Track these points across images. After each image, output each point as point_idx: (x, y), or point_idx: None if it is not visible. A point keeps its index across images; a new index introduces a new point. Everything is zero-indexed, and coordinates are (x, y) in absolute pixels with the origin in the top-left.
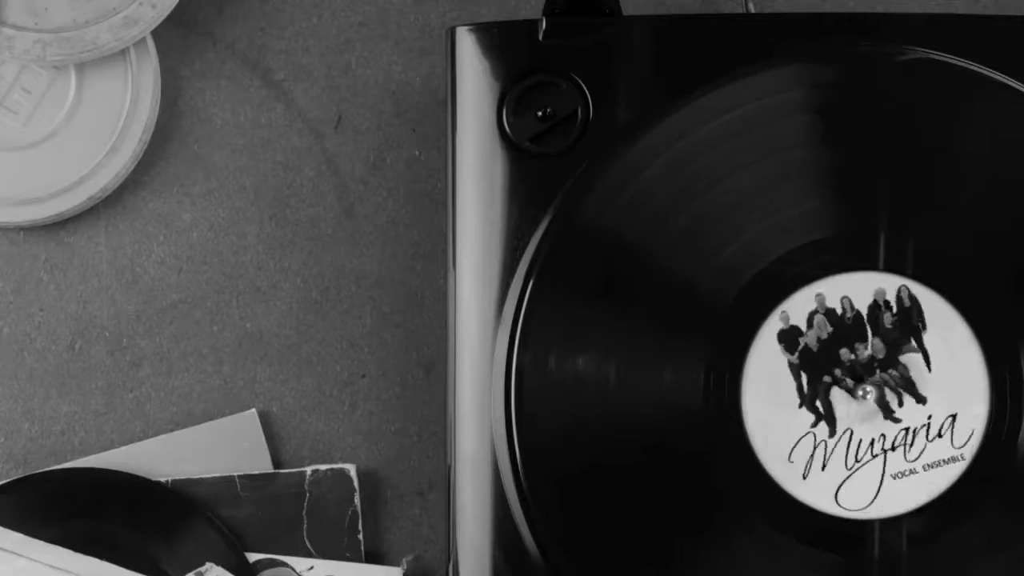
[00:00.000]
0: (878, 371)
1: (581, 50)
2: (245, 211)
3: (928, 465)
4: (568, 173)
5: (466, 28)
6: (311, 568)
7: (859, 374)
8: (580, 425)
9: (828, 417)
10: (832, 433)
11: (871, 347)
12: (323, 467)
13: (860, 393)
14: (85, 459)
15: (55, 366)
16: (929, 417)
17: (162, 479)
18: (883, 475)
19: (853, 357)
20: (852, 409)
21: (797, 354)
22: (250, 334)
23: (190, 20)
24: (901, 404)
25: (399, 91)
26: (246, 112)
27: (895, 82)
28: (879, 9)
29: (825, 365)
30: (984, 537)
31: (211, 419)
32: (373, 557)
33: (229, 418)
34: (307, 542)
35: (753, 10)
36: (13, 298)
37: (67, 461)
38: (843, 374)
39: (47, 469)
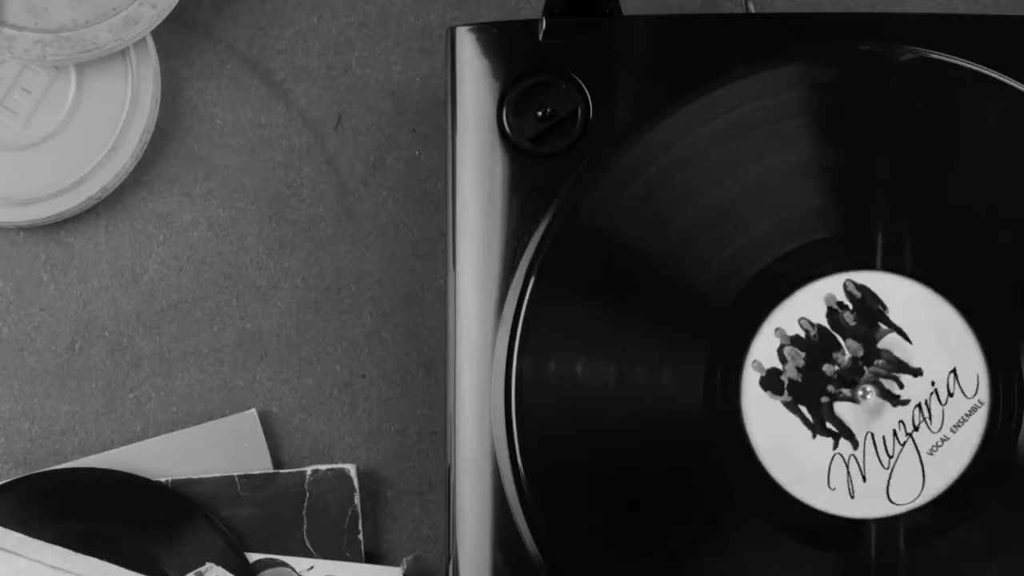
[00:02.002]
0: (865, 368)
1: (581, 50)
2: (245, 211)
3: (955, 426)
4: (568, 173)
5: (466, 28)
6: (311, 568)
7: (850, 380)
8: (580, 425)
9: (845, 433)
10: (855, 445)
11: (847, 350)
12: (323, 467)
13: (860, 395)
14: (85, 459)
15: (55, 366)
16: (933, 383)
17: (162, 479)
18: (920, 457)
19: (837, 368)
20: (861, 414)
21: (786, 392)
22: (250, 334)
23: (190, 20)
24: (901, 386)
25: (399, 91)
26: (246, 112)
27: (895, 82)
28: (879, 9)
29: (816, 388)
30: (984, 537)
31: (211, 419)
32: (373, 557)
33: (229, 418)
34: (307, 542)
35: (753, 10)
36: (13, 298)
37: (67, 461)
38: (836, 387)
39: (47, 469)
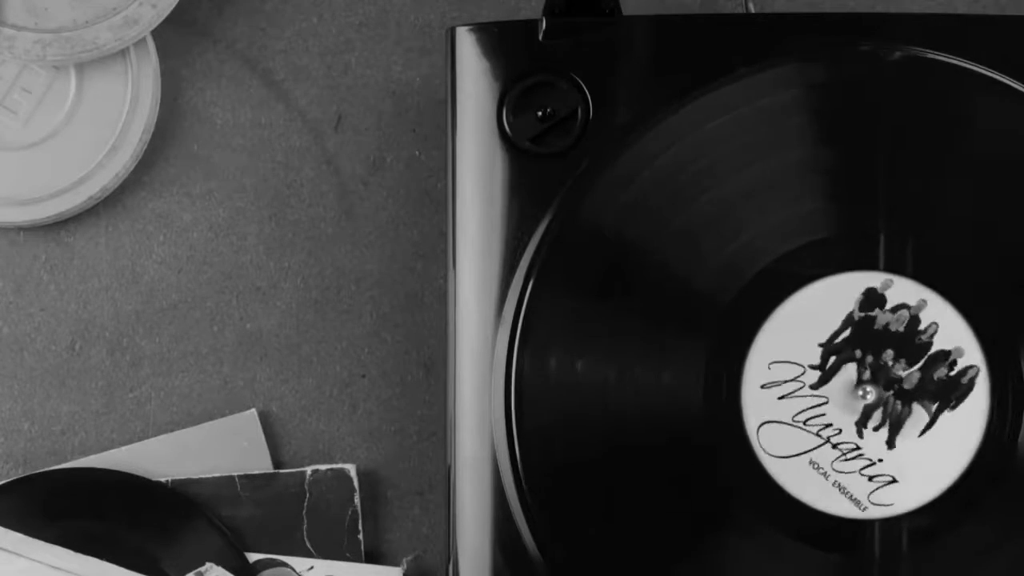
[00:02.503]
0: (891, 395)
1: (581, 50)
2: (245, 211)
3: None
4: (568, 173)
5: (466, 28)
6: (311, 568)
7: (879, 379)
8: (580, 425)
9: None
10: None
11: (906, 373)
12: (323, 467)
13: (860, 394)
14: (85, 459)
15: (55, 366)
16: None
17: (162, 479)
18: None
19: (890, 363)
20: (845, 390)
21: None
22: (250, 334)
23: (190, 20)
24: (876, 430)
25: (399, 91)
26: (246, 112)
27: (895, 82)
28: (879, 9)
29: (868, 340)
30: (985, 537)
31: (211, 419)
32: (373, 557)
33: (229, 418)
34: (307, 542)
35: (753, 10)
36: (13, 298)
37: (67, 461)
38: (871, 363)
39: (47, 469)
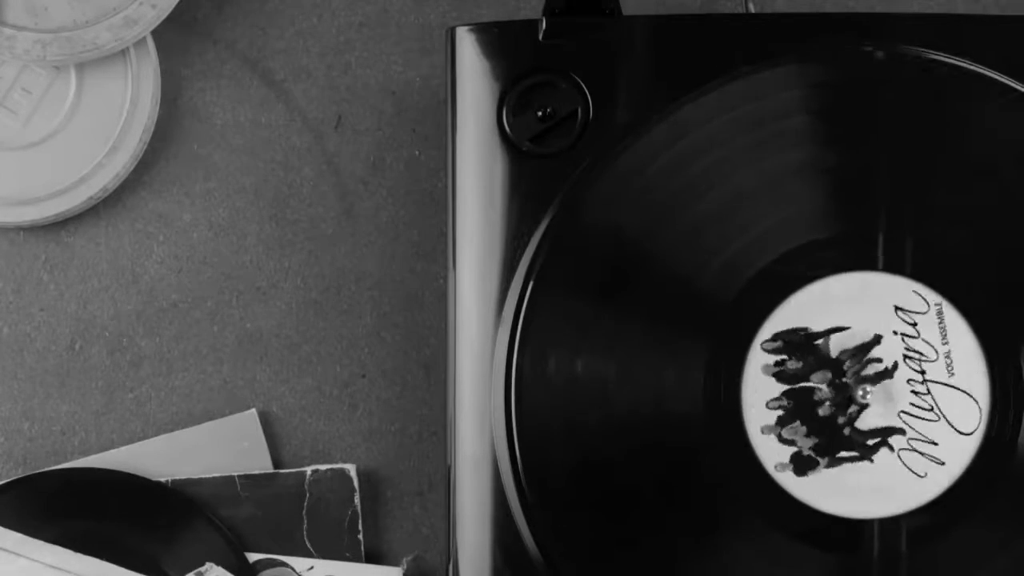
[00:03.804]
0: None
1: (581, 50)
2: (245, 211)
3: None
4: (568, 173)
5: (466, 28)
6: (311, 568)
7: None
8: (580, 425)
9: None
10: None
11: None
12: (323, 467)
13: (860, 394)
14: (85, 459)
15: (55, 366)
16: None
17: (162, 479)
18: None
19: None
20: (855, 410)
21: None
22: (250, 334)
23: (190, 20)
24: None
25: (399, 91)
26: (246, 112)
27: (895, 82)
28: (879, 9)
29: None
30: (984, 537)
31: (211, 419)
32: (373, 557)
33: (229, 418)
34: (307, 542)
35: (753, 10)
36: (13, 298)
37: (67, 461)
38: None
39: (47, 469)
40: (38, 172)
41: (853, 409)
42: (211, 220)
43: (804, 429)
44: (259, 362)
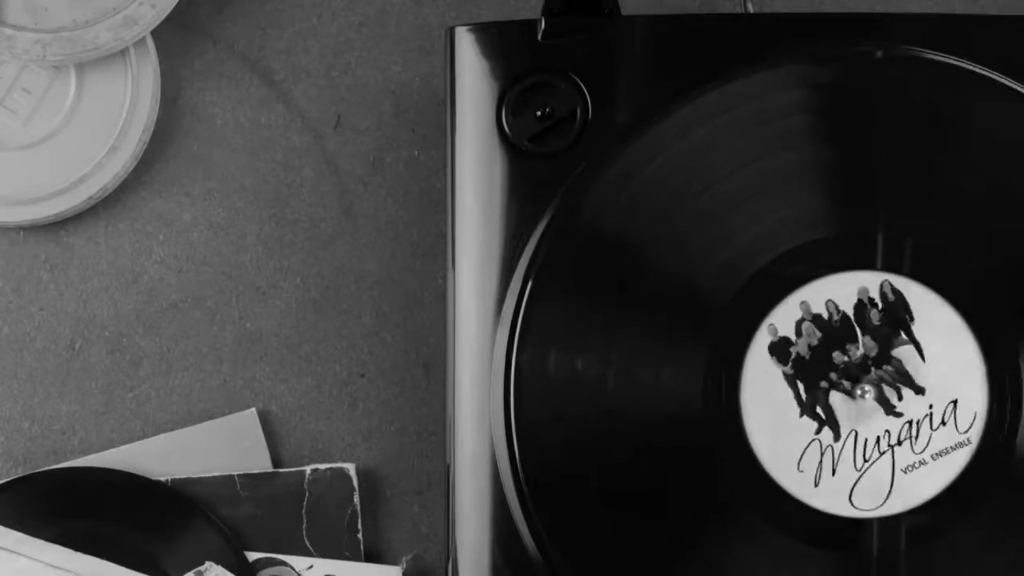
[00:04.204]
0: (873, 369)
1: (580, 50)
2: (245, 211)
3: (936, 454)
4: (567, 173)
5: (465, 28)
6: (311, 567)
7: (854, 375)
8: (579, 425)
9: (830, 422)
10: (837, 437)
11: (862, 346)
12: (322, 466)
13: (859, 393)
14: (85, 458)
15: (55, 366)
16: (931, 406)
17: (162, 478)
18: (893, 471)
19: (846, 359)
20: (853, 410)
21: (791, 364)
22: (250, 334)
23: (190, 20)
24: (901, 398)
25: (399, 91)
26: (246, 112)
27: (894, 82)
28: (879, 9)
29: (820, 371)
30: (983, 536)
31: (211, 419)
32: (372, 556)
33: (229, 417)
34: (307, 541)
35: (752, 10)
36: (13, 298)
37: (67, 461)
38: (839, 377)
39: (47, 468)
40: (38, 172)
41: (849, 386)
42: (211, 220)
43: (817, 338)
44: (259, 362)
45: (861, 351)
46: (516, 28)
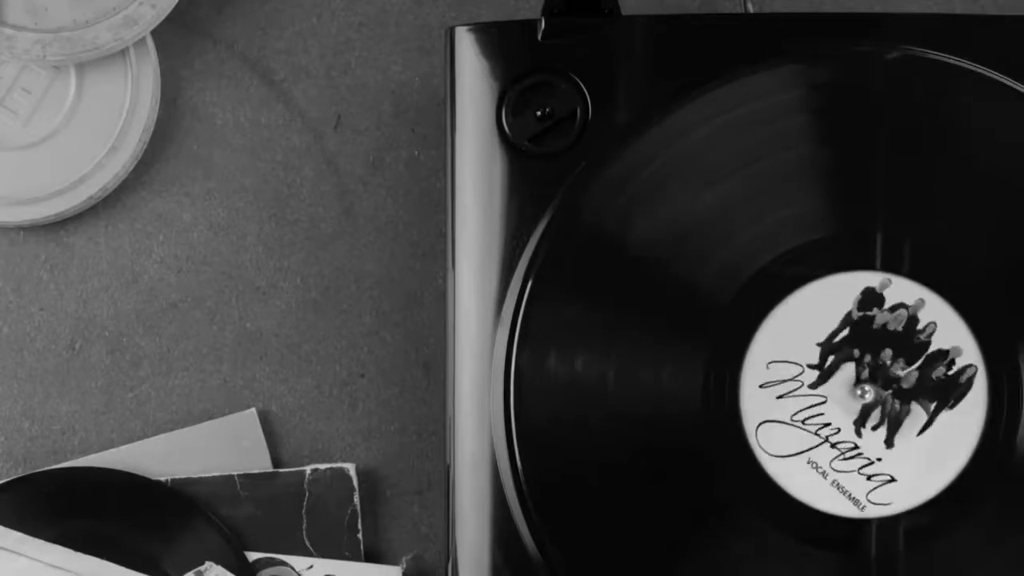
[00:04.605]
0: (889, 394)
1: (580, 50)
2: (245, 211)
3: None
4: (567, 173)
5: (465, 28)
6: (311, 567)
7: (877, 378)
8: (579, 425)
9: (825, 376)
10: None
11: (905, 372)
12: (322, 466)
13: (859, 393)
14: (85, 458)
15: (55, 366)
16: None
17: (162, 478)
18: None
19: (888, 363)
20: (853, 409)
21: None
22: (250, 334)
23: (190, 20)
24: (874, 429)
25: (399, 91)
26: (246, 112)
27: (894, 82)
28: (879, 9)
29: (866, 340)
30: (983, 535)
31: (211, 419)
32: (372, 556)
33: (229, 417)
34: (306, 541)
35: (752, 10)
36: (13, 298)
37: (67, 460)
38: (869, 362)
39: (47, 468)
40: (38, 172)
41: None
42: (211, 220)
43: (900, 324)
44: (259, 362)
45: (901, 373)
46: (516, 28)
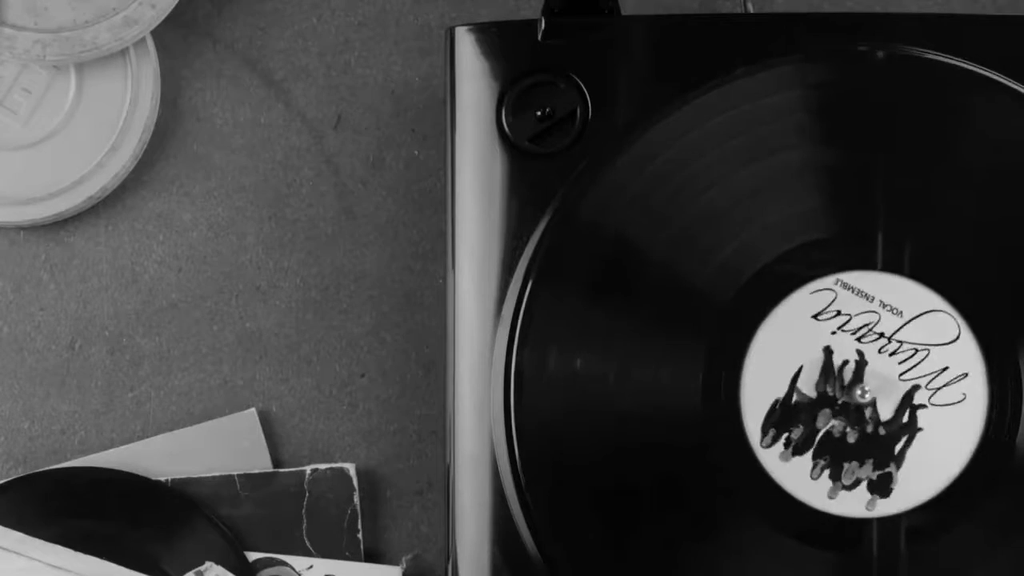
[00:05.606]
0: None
1: (580, 50)
2: (245, 211)
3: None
4: (567, 173)
5: (465, 28)
6: (311, 567)
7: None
8: (579, 424)
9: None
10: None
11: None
12: (322, 466)
13: (859, 393)
14: (85, 458)
15: (55, 366)
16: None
17: (162, 478)
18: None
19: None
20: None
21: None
22: (250, 334)
23: (190, 20)
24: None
25: (398, 91)
26: (246, 112)
27: (894, 82)
28: (878, 9)
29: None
30: (984, 535)
31: (211, 419)
32: (372, 556)
33: (229, 417)
34: (307, 541)
35: (752, 10)
36: (13, 298)
37: (67, 460)
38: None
39: (47, 468)
40: (38, 172)
41: (869, 412)
42: (211, 220)
43: (855, 463)
44: (258, 361)
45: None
46: (516, 28)
